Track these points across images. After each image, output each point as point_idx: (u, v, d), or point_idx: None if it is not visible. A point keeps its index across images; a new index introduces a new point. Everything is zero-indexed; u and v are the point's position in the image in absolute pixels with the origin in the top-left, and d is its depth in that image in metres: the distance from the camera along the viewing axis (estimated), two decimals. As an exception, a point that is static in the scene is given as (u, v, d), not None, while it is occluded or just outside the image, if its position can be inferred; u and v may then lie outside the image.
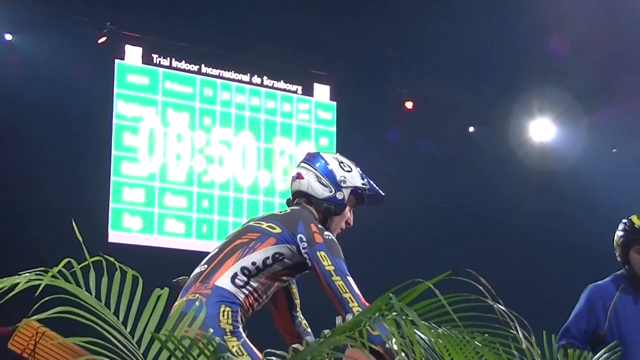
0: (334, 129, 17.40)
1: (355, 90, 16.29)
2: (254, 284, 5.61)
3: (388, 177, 14.76)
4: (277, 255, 5.36)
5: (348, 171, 5.80)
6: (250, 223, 5.63)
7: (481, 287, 4.04)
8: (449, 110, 16.66)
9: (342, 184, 5.76)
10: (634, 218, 7.16)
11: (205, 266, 5.55)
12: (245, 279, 5.50)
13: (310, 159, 5.78)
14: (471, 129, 17.40)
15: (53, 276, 3.73)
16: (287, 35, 15.27)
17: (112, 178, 15.60)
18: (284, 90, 17.09)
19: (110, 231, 15.39)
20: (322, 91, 17.41)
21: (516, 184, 16.63)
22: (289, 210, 5.64)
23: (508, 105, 16.76)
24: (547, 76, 16.54)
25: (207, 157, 16.56)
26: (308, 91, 17.22)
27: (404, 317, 3.36)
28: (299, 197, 5.85)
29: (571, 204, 16.53)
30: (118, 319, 3.90)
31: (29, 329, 12.27)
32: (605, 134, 16.98)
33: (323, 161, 5.79)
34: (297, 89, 17.17)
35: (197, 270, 5.59)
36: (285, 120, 17.10)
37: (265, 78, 15.94)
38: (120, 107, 15.74)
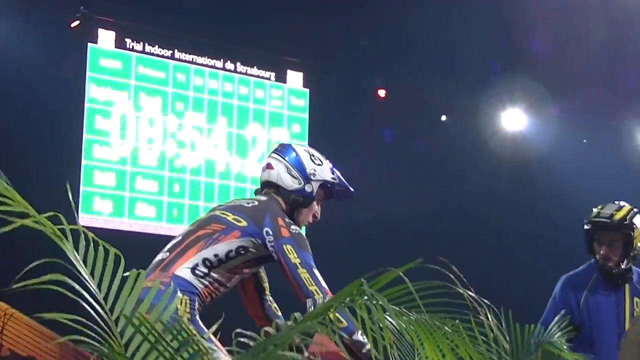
0: (306, 115, 17.48)
1: (329, 77, 16.33)
2: (215, 275, 5.64)
3: (360, 165, 14.80)
4: (240, 249, 5.39)
5: (319, 164, 5.84)
6: (217, 212, 5.64)
7: (452, 275, 4.09)
8: (421, 99, 16.59)
9: (312, 177, 5.81)
10: (595, 209, 7.24)
11: (167, 254, 5.57)
12: (205, 270, 5.53)
13: (282, 150, 5.81)
14: (443, 117, 17.34)
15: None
16: (261, 22, 15.34)
17: (83, 162, 15.68)
18: (257, 76, 17.18)
19: (80, 214, 15.09)
20: (295, 78, 17.48)
21: (488, 173, 16.72)
22: (256, 203, 5.64)
23: (479, 95, 16.72)
24: (518, 66, 16.52)
25: (178, 142, 16.63)
26: (281, 78, 17.30)
27: (374, 303, 3.38)
28: (268, 187, 5.90)
29: (542, 193, 16.74)
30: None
31: (-4, 311, 12.16)
32: (576, 124, 17.02)
33: (294, 153, 5.81)
34: (270, 76, 17.24)
35: (158, 257, 5.61)
36: (258, 106, 17.19)
37: (238, 64, 16.11)
38: (92, 91, 15.79)
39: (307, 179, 5.80)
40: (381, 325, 3.54)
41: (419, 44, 15.69)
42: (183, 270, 5.46)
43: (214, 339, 5.27)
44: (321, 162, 5.83)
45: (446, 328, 3.74)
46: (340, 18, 15.62)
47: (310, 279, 5.24)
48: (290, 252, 5.30)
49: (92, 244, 3.92)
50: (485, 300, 4.16)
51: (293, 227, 5.58)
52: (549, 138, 17.11)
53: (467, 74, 16.68)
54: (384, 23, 15.85)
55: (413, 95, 16.89)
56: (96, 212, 15.81)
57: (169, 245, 5.62)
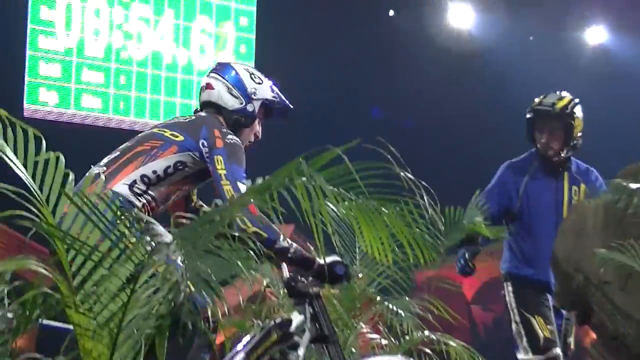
0: (254, 8, 17.40)
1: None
2: (152, 193, 5.64)
3: (309, 53, 14.85)
4: (178, 164, 5.39)
5: (259, 83, 5.79)
6: (155, 130, 5.66)
7: (390, 157, 4.16)
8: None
9: (253, 95, 5.72)
10: (537, 99, 7.35)
11: (104, 168, 5.52)
12: (144, 187, 5.52)
13: (221, 69, 5.82)
14: (391, 12, 17.32)
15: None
16: None
17: (28, 52, 15.52)
18: None
19: (25, 105, 15.39)
20: None
21: (435, 66, 16.71)
22: (194, 117, 5.61)
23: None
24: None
25: (125, 33, 16.42)
26: None
27: (312, 184, 3.42)
28: (208, 107, 5.83)
29: (488, 86, 16.69)
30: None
31: None
32: (523, 21, 17.13)
33: (234, 72, 5.77)
34: None
35: (94, 171, 5.49)
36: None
37: (186, -45, 15.60)
38: None
39: (248, 98, 5.72)
40: (321, 210, 3.53)
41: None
42: (121, 186, 5.43)
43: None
44: (261, 80, 5.80)
45: (384, 210, 3.77)
46: None
47: (232, 191, 5.20)
48: (219, 162, 5.32)
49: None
50: (423, 182, 4.23)
51: (229, 137, 5.48)
52: (496, 34, 17.10)
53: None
54: None
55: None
56: (42, 103, 15.67)
57: (105, 160, 5.50)
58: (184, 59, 16.96)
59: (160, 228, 3.79)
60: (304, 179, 3.60)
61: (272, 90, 5.93)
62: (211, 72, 5.80)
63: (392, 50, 16.93)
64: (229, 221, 4.25)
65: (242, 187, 5.37)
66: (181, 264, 3.59)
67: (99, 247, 3.76)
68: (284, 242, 5.19)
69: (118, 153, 5.47)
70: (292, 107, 6.03)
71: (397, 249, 4.28)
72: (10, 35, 15.14)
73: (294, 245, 5.12)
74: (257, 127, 5.86)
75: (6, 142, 3.94)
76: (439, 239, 4.84)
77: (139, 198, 5.56)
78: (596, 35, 18.14)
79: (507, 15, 17.42)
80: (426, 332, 6.96)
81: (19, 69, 15.33)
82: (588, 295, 5.53)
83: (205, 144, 5.29)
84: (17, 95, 15.03)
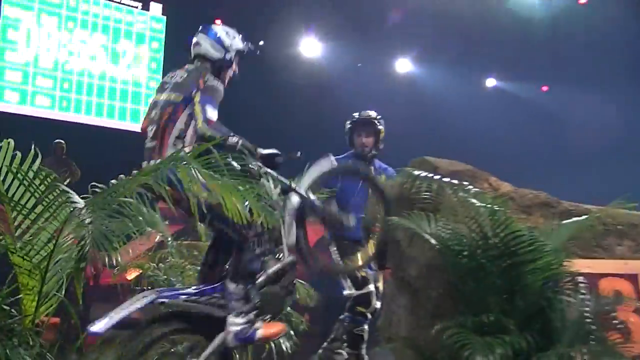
0: (163, 35, 18.33)
1: (177, 9, 16.30)
2: (190, 135, 5.47)
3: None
4: (190, 114, 5.39)
5: (233, 38, 5.92)
6: (163, 97, 5.66)
7: (246, 151, 4.24)
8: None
9: (229, 48, 5.86)
10: (355, 114, 7.46)
11: (154, 142, 5.47)
12: (182, 140, 5.42)
13: (205, 30, 5.94)
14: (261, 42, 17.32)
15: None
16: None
17: None
18: (128, 5, 17.99)
19: None
20: (156, 8, 18.29)
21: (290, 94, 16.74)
22: (185, 75, 5.66)
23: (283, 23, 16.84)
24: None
25: (69, 51, 17.28)
26: (146, 7, 18.16)
27: (191, 166, 3.42)
28: (198, 58, 5.86)
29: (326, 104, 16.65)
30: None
31: None
32: (354, 52, 17.21)
33: (214, 32, 5.87)
34: (138, 6, 18.08)
35: (149, 145, 5.47)
36: (128, 27, 17.99)
37: (115, -5, 16.73)
38: (6, 10, 16.47)
39: (226, 50, 5.82)
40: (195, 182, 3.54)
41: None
42: (169, 150, 5.35)
43: None
44: (234, 36, 5.98)
45: (240, 187, 3.79)
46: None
47: (200, 111, 5.29)
48: (197, 96, 5.42)
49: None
50: (269, 170, 4.30)
51: (208, 81, 5.55)
52: (337, 62, 17.19)
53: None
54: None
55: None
56: (6, 101, 16.35)
57: (151, 134, 5.52)
58: (110, 71, 17.85)
59: (76, 197, 3.74)
60: (184, 163, 3.58)
61: (243, 42, 5.98)
62: (199, 32, 6.02)
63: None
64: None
65: (210, 109, 5.35)
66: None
67: (35, 209, 3.67)
68: (233, 138, 5.26)
69: (155, 126, 5.54)
70: (258, 52, 6.20)
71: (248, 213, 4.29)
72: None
73: (241, 140, 5.29)
74: (235, 67, 5.90)
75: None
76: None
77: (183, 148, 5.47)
78: (404, 65, 18.26)
79: (341, 46, 17.40)
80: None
81: None
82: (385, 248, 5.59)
83: (194, 91, 5.32)
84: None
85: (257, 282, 5.43)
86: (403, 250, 5.24)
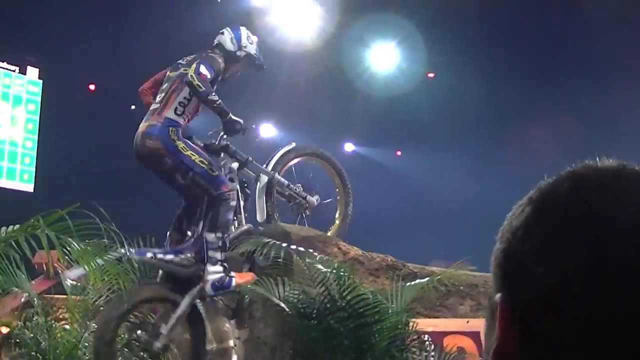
0: (39, 98, 17.62)
1: (53, 73, 15.94)
2: (189, 109, 6.04)
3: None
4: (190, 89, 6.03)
5: (250, 43, 6.49)
6: (181, 70, 6.13)
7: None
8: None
9: (244, 47, 6.43)
10: None
11: (158, 104, 6.02)
12: (182, 109, 6.00)
13: (233, 28, 6.51)
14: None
15: None
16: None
17: None
18: (6, 68, 17.27)
19: None
20: (33, 72, 17.62)
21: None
22: (194, 55, 6.22)
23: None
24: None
25: None
26: (23, 71, 17.48)
27: (45, 232, 3.27)
28: (216, 46, 6.39)
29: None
30: None
31: None
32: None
33: (239, 31, 6.48)
34: (15, 69, 17.40)
35: (153, 107, 6.04)
36: (5, 90, 17.23)
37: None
38: None
39: (240, 47, 6.40)
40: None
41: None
42: (170, 112, 5.96)
43: (197, 147, 5.96)
44: (252, 42, 6.54)
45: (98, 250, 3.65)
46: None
47: (194, 67, 5.81)
48: (194, 60, 6.02)
49: None
50: (119, 232, 4.23)
51: (209, 55, 6.16)
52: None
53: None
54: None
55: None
56: None
57: (157, 98, 6.10)
58: None
59: None
60: (39, 230, 3.43)
61: (257, 52, 6.54)
62: (228, 28, 6.49)
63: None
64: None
65: (202, 67, 5.79)
66: None
67: None
68: (214, 96, 5.73)
69: (163, 93, 6.08)
70: (265, 67, 6.73)
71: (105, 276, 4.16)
72: None
73: (219, 100, 5.76)
74: (239, 68, 6.45)
75: None
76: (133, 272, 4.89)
77: (181, 116, 5.98)
78: (268, 130, 18.45)
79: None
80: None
81: None
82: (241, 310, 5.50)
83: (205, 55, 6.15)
84: None
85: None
86: (258, 311, 5.16)
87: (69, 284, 6.85)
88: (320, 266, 4.47)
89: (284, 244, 4.58)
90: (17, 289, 6.11)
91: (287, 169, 6.49)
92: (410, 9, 17.09)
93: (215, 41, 6.47)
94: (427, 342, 4.75)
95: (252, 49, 6.45)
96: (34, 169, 17.12)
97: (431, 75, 18.82)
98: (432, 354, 4.52)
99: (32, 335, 6.88)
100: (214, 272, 5.38)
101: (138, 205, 16.12)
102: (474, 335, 5.37)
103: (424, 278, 5.16)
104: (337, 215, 6.47)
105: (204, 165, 5.82)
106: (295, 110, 19.17)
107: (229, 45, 6.31)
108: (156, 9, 16.43)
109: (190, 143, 5.87)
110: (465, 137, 18.79)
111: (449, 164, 18.40)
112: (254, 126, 5.82)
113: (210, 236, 5.46)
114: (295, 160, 6.65)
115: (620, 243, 0.80)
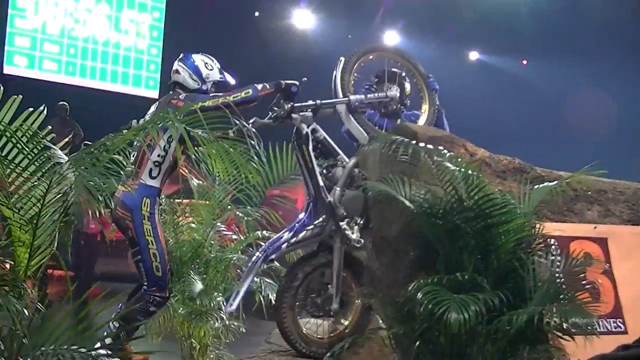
0: (164, 5, 18.10)
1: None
2: (165, 166, 5.63)
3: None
4: (169, 139, 5.34)
5: (210, 69, 5.97)
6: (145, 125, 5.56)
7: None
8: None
9: (206, 79, 5.95)
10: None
11: (133, 167, 5.54)
12: (157, 169, 5.57)
13: (184, 59, 5.99)
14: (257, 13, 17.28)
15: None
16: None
17: (8, 29, 16.33)
18: None
19: (5, 66, 16.22)
20: None
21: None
22: (154, 108, 5.78)
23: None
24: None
25: (75, 19, 17.15)
26: None
27: (176, 125, 3.30)
28: (177, 86, 5.91)
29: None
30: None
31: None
32: (344, 24, 17.17)
33: (193, 62, 5.94)
34: None
35: (128, 169, 5.36)
36: None
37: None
38: None
39: (203, 80, 5.89)
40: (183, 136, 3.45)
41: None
42: (145, 177, 5.53)
43: (160, 233, 5.61)
44: (212, 67, 6.01)
45: (231, 149, 3.69)
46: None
47: (210, 101, 5.33)
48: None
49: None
50: (253, 130, 4.24)
51: (183, 95, 5.65)
52: (330, 33, 17.13)
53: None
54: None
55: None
56: (16, 65, 16.38)
57: (132, 159, 5.53)
58: (114, 38, 17.68)
59: (60, 153, 3.64)
60: (169, 122, 3.47)
61: (221, 73, 5.98)
62: (178, 60, 6.01)
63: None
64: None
65: (209, 97, 5.43)
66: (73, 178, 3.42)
67: (26, 166, 3.56)
68: (260, 87, 5.42)
69: (136, 152, 5.55)
70: (234, 82, 6.09)
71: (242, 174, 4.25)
72: (-3, 18, 17.07)
73: (265, 84, 5.46)
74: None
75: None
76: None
77: (157, 178, 5.57)
78: (392, 37, 18.17)
79: (332, 18, 17.34)
80: (263, 232, 6.82)
81: (0, 41, 16.33)
82: (368, 210, 5.49)
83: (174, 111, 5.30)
84: (-1, 60, 16.90)
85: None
86: (384, 211, 5.15)
87: (195, 184, 7.04)
88: (448, 164, 4.39)
89: (413, 142, 4.52)
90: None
91: (357, 69, 6.03)
92: None
93: (173, 80, 5.93)
94: (553, 246, 4.68)
95: (215, 74, 5.95)
96: (159, 76, 17.72)
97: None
98: (558, 258, 4.45)
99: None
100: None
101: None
102: (600, 242, 5.24)
103: (551, 181, 5.05)
104: (423, 108, 6.18)
105: None
106: (420, 18, 19.01)
107: (192, 83, 5.82)
108: None
109: None
110: (591, 46, 18.30)
111: (577, 73, 17.62)
112: (304, 79, 5.39)
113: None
114: (371, 56, 6.22)
115: None
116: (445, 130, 6.47)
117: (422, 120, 6.36)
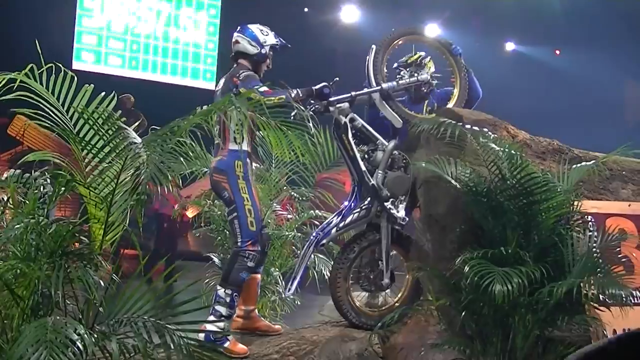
0: (219, 3, 18.12)
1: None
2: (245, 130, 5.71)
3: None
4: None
5: (266, 35, 5.90)
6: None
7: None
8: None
9: (264, 43, 5.85)
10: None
11: (219, 138, 5.60)
12: (239, 135, 5.46)
13: (241, 29, 5.95)
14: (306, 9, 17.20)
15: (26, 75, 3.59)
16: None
17: (77, 28, 16.54)
18: None
19: (74, 62, 16.30)
20: None
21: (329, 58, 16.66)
22: (222, 83, 5.75)
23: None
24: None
25: (138, 17, 17.32)
26: None
27: (240, 110, 3.32)
28: (238, 55, 5.89)
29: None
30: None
31: (19, 121, 11.79)
32: (389, 17, 17.03)
33: (250, 30, 5.87)
34: None
35: (217, 141, 5.60)
36: None
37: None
38: None
39: (261, 45, 5.82)
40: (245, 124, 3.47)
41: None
42: (231, 143, 5.50)
43: (255, 194, 5.52)
44: (268, 33, 5.95)
45: (284, 128, 3.72)
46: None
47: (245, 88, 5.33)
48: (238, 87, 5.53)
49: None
50: (315, 117, 4.24)
51: (242, 75, 5.56)
52: (376, 28, 17.00)
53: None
54: None
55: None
56: (83, 61, 16.55)
57: (216, 133, 5.52)
58: (174, 35, 17.81)
59: (134, 135, 3.69)
60: (232, 107, 3.49)
61: (276, 37, 5.89)
62: (237, 32, 5.93)
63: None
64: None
65: (257, 88, 5.24)
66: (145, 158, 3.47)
67: (103, 149, 3.62)
68: (294, 95, 5.34)
69: (218, 127, 5.46)
70: (290, 45, 5.95)
71: (299, 156, 4.25)
72: (65, 18, 16.12)
73: (298, 90, 5.40)
74: (268, 61, 5.83)
75: (56, 82, 3.78)
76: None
77: (243, 143, 5.48)
78: (433, 30, 18.14)
79: (377, 12, 17.21)
80: (316, 211, 6.84)
81: (69, 39, 16.41)
82: (416, 189, 5.48)
83: (234, 90, 5.32)
84: (68, 56, 16.04)
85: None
86: (431, 190, 5.14)
87: (254, 167, 7.11)
88: (493, 145, 4.38)
89: (459, 123, 4.50)
90: (206, 169, 6.38)
91: (390, 52, 5.91)
92: None
93: (234, 50, 5.94)
94: (590, 223, 4.65)
95: (271, 39, 5.91)
96: (215, 69, 17.71)
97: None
98: (595, 234, 4.43)
99: (219, 212, 7.19)
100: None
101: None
102: (635, 218, 5.18)
103: (588, 162, 5.01)
104: (455, 89, 6.09)
105: None
106: (459, 10, 18.82)
107: (251, 49, 5.81)
108: None
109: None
110: (622, 34, 18.02)
111: (610, 64, 17.38)
112: (336, 78, 5.29)
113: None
114: (400, 41, 5.92)
115: None
116: (476, 87, 6.38)
117: (457, 88, 6.31)
